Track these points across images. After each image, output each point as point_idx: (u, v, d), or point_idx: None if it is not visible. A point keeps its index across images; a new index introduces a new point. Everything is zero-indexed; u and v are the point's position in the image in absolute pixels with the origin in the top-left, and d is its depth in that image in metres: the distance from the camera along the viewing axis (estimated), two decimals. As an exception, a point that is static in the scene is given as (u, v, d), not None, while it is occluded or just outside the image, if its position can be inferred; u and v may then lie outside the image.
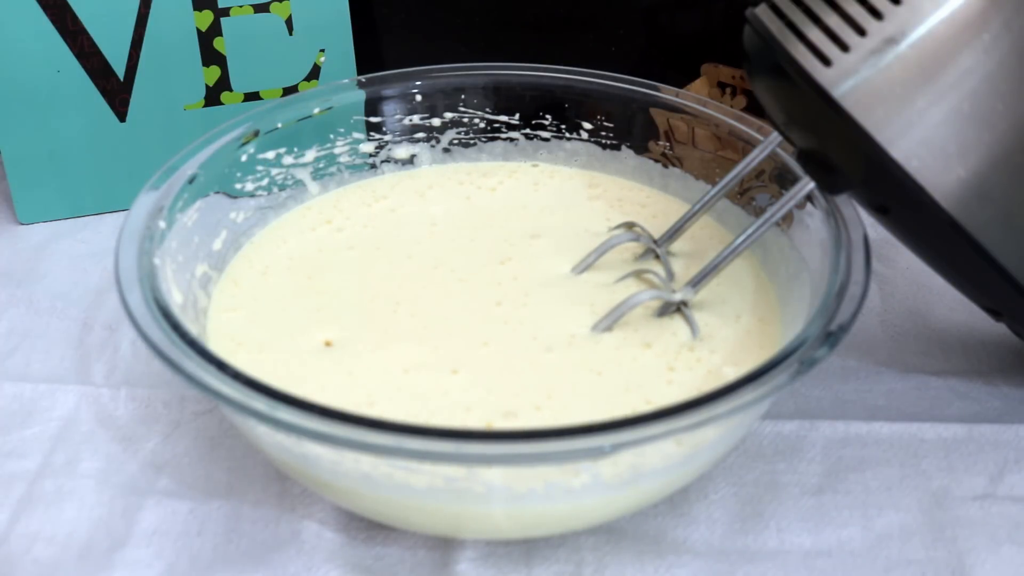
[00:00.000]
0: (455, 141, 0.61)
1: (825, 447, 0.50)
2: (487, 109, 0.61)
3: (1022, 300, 0.47)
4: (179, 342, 0.42)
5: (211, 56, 0.65)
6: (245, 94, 0.66)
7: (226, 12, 0.64)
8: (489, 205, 0.58)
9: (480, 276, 0.53)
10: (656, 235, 0.54)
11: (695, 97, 0.58)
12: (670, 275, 0.53)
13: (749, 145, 0.55)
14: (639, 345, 0.48)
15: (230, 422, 0.50)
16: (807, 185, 0.49)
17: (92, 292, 0.60)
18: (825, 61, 0.42)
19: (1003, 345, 0.56)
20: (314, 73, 0.67)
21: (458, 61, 0.61)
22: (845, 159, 0.44)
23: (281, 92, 0.66)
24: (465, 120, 0.61)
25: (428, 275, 0.53)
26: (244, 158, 0.56)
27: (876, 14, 0.41)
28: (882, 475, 0.49)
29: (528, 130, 0.61)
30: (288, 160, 0.58)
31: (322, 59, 0.66)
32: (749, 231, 0.49)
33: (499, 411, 0.45)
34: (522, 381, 0.47)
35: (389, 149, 0.61)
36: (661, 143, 0.59)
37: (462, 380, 0.47)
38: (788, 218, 0.52)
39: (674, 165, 0.59)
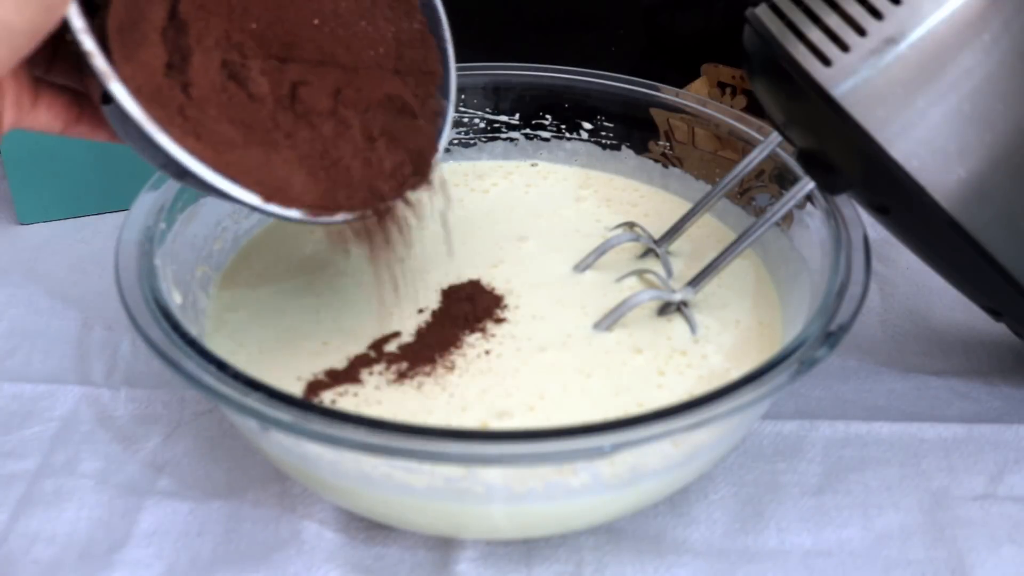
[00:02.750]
0: (455, 141, 0.61)
1: (825, 447, 0.50)
2: (487, 109, 0.61)
3: (1022, 300, 0.47)
4: (179, 342, 0.42)
5: (211, 56, 0.65)
6: (245, 94, 0.66)
7: (226, 12, 0.64)
8: (481, 207, 0.58)
9: (474, 278, 0.53)
10: (651, 234, 0.54)
11: (695, 97, 0.58)
12: (670, 274, 0.53)
13: (749, 145, 0.55)
14: (632, 348, 0.48)
15: (230, 422, 0.50)
16: (807, 185, 0.48)
17: (92, 292, 0.60)
18: (825, 61, 0.42)
19: (1003, 345, 0.56)
20: (314, 73, 0.66)
21: (458, 61, 0.61)
22: (845, 159, 0.44)
23: (281, 92, 0.66)
24: (465, 120, 0.61)
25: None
26: (244, 158, 0.55)
27: (876, 14, 0.41)
28: (882, 475, 0.49)
29: (528, 130, 0.61)
30: (288, 160, 0.57)
31: (322, 59, 0.66)
32: (749, 231, 0.49)
33: (494, 411, 0.45)
34: (516, 382, 0.47)
35: (389, 149, 0.60)
36: (661, 143, 0.59)
37: (457, 380, 0.47)
38: (788, 218, 0.52)
39: (674, 165, 0.59)
